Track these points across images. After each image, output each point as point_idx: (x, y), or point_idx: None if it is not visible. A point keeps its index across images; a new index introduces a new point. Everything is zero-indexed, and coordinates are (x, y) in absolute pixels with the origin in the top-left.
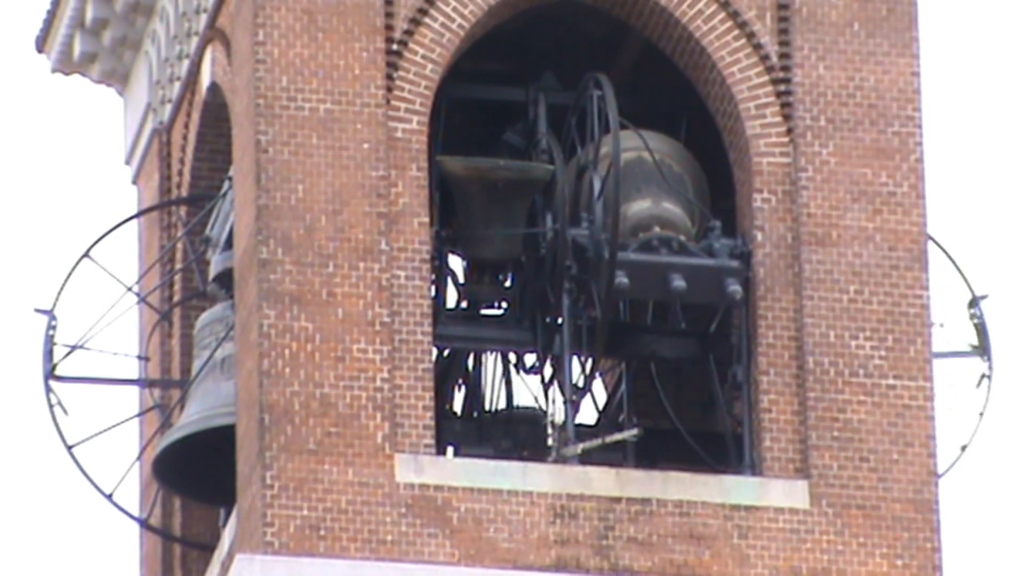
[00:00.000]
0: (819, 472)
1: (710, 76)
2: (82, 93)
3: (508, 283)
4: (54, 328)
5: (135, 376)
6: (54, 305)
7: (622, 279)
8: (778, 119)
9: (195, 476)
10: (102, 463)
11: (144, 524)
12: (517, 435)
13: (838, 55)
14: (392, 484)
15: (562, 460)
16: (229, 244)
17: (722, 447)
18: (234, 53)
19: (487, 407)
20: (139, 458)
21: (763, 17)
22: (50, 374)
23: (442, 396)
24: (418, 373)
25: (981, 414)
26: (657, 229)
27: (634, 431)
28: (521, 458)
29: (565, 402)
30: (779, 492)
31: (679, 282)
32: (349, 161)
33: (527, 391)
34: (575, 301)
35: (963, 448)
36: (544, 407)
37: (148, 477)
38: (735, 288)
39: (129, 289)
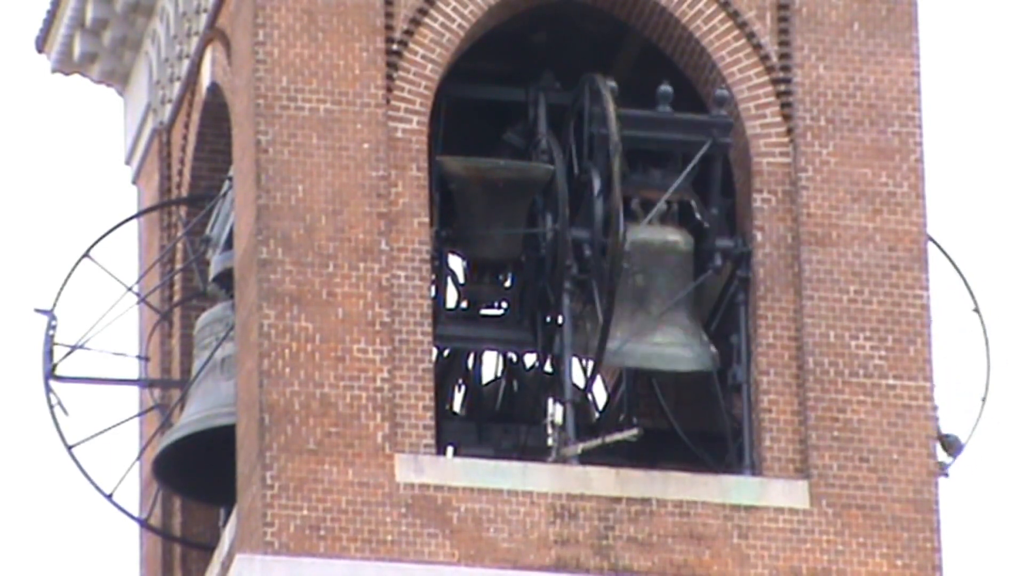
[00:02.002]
0: (819, 472)
1: (710, 76)
2: (82, 93)
3: (508, 283)
4: (54, 328)
5: (135, 376)
6: (54, 305)
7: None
8: (778, 119)
9: (195, 476)
10: (102, 463)
11: (144, 524)
12: (517, 435)
13: (838, 55)
14: (392, 484)
15: (562, 460)
16: (229, 244)
17: (722, 447)
18: (234, 53)
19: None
20: (139, 458)
21: (763, 17)
22: (50, 374)
23: (442, 396)
24: (418, 373)
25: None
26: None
27: (634, 431)
28: (521, 458)
29: (565, 402)
30: (779, 492)
31: (667, 87)
32: (349, 161)
33: (527, 391)
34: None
35: (942, 468)
36: (544, 407)
37: (148, 477)
38: (722, 93)
39: (129, 289)
